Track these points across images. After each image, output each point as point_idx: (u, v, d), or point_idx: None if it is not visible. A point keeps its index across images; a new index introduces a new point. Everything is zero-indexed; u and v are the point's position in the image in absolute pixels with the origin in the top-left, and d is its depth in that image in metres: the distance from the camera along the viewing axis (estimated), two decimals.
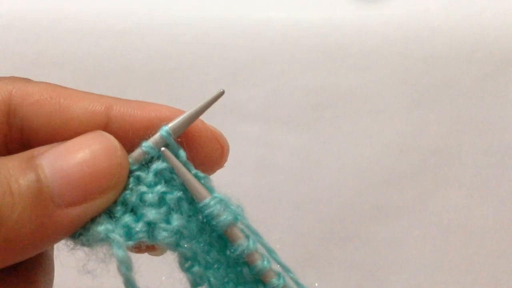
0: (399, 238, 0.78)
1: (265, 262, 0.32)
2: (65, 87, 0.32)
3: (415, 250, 0.78)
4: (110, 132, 0.30)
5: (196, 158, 0.32)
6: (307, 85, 0.82)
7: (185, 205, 0.31)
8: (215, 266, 0.32)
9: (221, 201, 0.31)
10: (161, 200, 0.31)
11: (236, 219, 0.31)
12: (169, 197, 0.31)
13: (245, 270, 0.32)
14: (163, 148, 0.31)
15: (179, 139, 0.31)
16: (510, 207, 0.80)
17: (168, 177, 0.31)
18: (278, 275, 0.32)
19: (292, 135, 0.81)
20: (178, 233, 0.30)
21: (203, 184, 0.31)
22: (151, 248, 0.32)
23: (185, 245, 0.31)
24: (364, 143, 0.81)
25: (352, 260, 0.78)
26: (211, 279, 0.31)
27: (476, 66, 0.81)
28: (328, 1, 0.84)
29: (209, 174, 0.33)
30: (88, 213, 0.28)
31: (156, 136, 0.31)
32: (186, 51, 0.82)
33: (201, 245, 0.32)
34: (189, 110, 0.32)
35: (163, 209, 0.31)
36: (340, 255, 0.78)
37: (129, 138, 0.31)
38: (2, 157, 0.27)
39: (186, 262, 0.31)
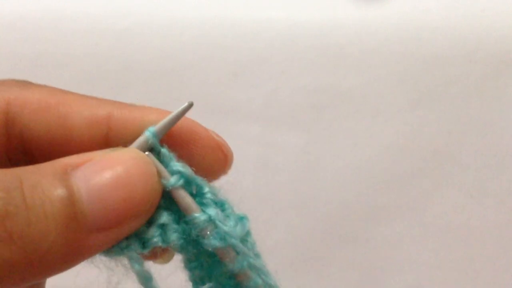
0: (399, 238, 0.78)
1: (258, 281, 0.30)
2: (64, 91, 0.31)
3: (415, 250, 0.78)
4: (111, 140, 0.30)
5: (199, 167, 0.31)
6: (307, 85, 0.82)
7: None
8: (217, 271, 0.31)
9: (209, 220, 0.29)
10: (170, 201, 0.30)
11: (225, 243, 0.30)
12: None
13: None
14: (147, 153, 0.29)
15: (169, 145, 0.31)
16: (510, 207, 0.80)
17: None
18: None
19: (292, 135, 0.81)
20: (186, 234, 0.30)
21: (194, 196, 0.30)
22: (163, 253, 0.31)
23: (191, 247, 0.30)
24: (364, 143, 0.81)
25: (352, 260, 0.78)
26: (213, 282, 0.31)
27: (476, 66, 0.81)
28: (328, 1, 0.84)
29: (211, 181, 0.32)
30: (118, 237, 0.27)
31: (140, 139, 0.30)
32: (186, 51, 0.82)
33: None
34: (172, 113, 0.31)
35: (172, 210, 0.30)
36: (340, 255, 0.78)
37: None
38: (33, 170, 0.25)
39: (191, 262, 0.31)
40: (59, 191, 0.25)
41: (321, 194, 0.79)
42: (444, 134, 0.81)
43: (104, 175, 0.26)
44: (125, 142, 0.30)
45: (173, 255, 0.31)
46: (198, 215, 0.29)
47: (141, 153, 0.28)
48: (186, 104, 0.31)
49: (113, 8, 0.83)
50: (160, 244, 0.29)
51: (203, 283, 0.31)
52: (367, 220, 0.78)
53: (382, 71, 0.82)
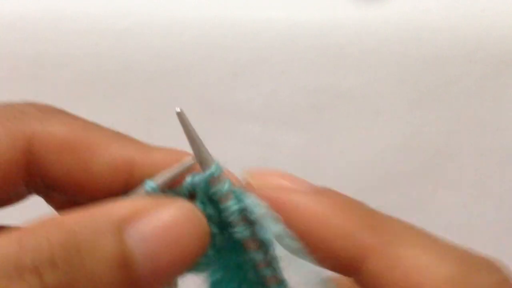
0: None
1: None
2: (86, 125, 0.30)
3: None
4: (131, 184, 0.29)
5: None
6: (307, 85, 0.82)
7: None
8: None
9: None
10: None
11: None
12: None
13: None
14: (178, 110, 0.28)
15: None
16: (510, 207, 0.80)
17: None
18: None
19: (292, 135, 0.81)
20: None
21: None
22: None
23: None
24: (364, 143, 0.81)
25: None
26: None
27: (476, 66, 0.81)
28: (328, 1, 0.84)
29: None
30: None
31: (141, 191, 0.28)
32: (186, 51, 0.82)
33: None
34: (169, 171, 0.29)
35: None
36: None
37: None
38: (87, 225, 0.23)
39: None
40: (117, 255, 0.23)
41: None
42: (444, 134, 0.81)
43: (160, 237, 0.24)
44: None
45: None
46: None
47: (194, 209, 0.26)
48: (190, 161, 0.29)
49: (113, 8, 0.83)
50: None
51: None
52: None
53: (382, 71, 0.82)
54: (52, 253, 0.22)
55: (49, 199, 0.33)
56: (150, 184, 0.28)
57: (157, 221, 0.25)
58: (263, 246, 0.28)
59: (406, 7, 0.83)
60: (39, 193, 0.32)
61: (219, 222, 0.29)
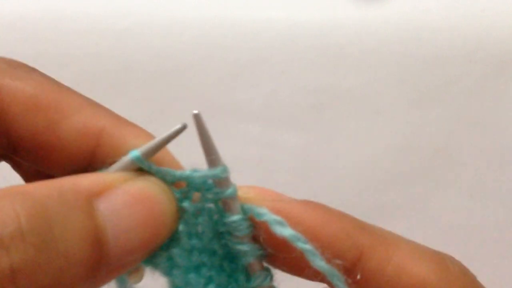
0: None
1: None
2: (58, 86, 0.28)
3: None
4: (97, 154, 0.28)
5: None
6: (307, 85, 0.82)
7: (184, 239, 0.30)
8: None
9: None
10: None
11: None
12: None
13: None
14: (195, 112, 0.28)
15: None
16: (510, 207, 0.80)
17: None
18: None
19: (292, 135, 0.81)
20: (171, 260, 0.29)
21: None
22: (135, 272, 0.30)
23: (177, 274, 0.30)
24: (364, 143, 0.81)
25: None
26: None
27: (476, 66, 0.81)
28: (328, 1, 0.84)
29: None
30: (132, 265, 0.26)
31: (126, 160, 0.27)
32: (186, 51, 0.82)
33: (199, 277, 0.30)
34: (157, 138, 0.29)
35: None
36: None
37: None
38: (58, 200, 0.22)
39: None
40: (90, 231, 0.23)
41: (321, 194, 0.79)
42: (444, 134, 0.81)
43: (129, 212, 0.24)
44: (111, 157, 0.28)
45: (142, 275, 0.30)
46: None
47: (163, 185, 0.27)
48: (178, 126, 0.28)
49: (113, 8, 0.83)
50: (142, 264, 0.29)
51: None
52: (367, 220, 0.78)
53: (382, 71, 0.82)
54: (19, 225, 0.20)
55: (15, 166, 0.32)
56: (134, 153, 0.27)
57: (127, 194, 0.24)
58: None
59: (406, 7, 0.83)
60: (5, 158, 0.31)
61: (212, 225, 0.30)
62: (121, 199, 0.24)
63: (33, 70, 0.29)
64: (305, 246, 0.28)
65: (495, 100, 0.81)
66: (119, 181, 0.25)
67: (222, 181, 0.29)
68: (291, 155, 0.81)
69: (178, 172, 0.28)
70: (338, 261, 0.28)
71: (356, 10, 0.83)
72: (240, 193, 0.30)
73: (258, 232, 0.29)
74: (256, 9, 0.84)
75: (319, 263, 0.28)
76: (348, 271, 0.28)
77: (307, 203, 0.30)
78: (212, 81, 0.82)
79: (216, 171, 0.29)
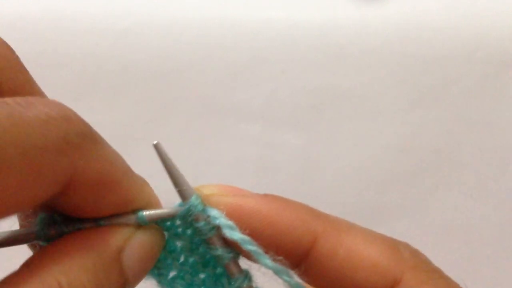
0: (399, 238, 0.78)
1: None
2: (113, 162, 0.30)
3: None
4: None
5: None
6: (307, 85, 0.82)
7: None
8: None
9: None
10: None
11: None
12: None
13: None
14: (155, 142, 0.31)
15: None
16: (510, 207, 0.80)
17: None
18: None
19: (292, 135, 0.81)
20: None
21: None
22: None
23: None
24: (364, 143, 0.81)
25: None
26: None
27: (476, 66, 0.81)
28: (328, 1, 0.84)
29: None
30: None
31: (133, 218, 0.31)
32: (186, 51, 0.82)
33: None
34: (165, 210, 0.32)
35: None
36: None
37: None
38: (93, 257, 0.28)
39: None
40: (120, 286, 0.28)
41: (321, 194, 0.79)
42: (444, 134, 0.81)
43: (141, 257, 0.30)
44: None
45: None
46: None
47: (158, 230, 0.32)
48: (188, 205, 0.32)
49: (113, 8, 0.83)
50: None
51: None
52: (367, 220, 0.78)
53: (382, 71, 0.82)
54: None
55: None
56: (142, 215, 0.31)
57: (140, 245, 0.30)
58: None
59: (406, 7, 0.83)
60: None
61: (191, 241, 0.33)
62: (137, 251, 0.30)
63: (98, 141, 0.29)
64: (252, 248, 0.30)
65: (495, 100, 0.81)
66: (133, 233, 0.30)
67: (197, 214, 0.32)
68: (291, 155, 0.81)
69: (167, 224, 0.33)
70: (281, 258, 0.30)
71: (356, 10, 0.83)
72: (205, 191, 0.32)
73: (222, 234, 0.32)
74: (256, 9, 0.84)
75: (267, 262, 0.30)
76: (301, 260, 0.31)
77: (266, 196, 0.32)
78: (212, 81, 0.82)
79: (191, 203, 0.32)
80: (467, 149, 0.80)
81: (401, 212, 0.79)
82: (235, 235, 0.31)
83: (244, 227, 0.31)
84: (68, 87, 0.80)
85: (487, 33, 0.82)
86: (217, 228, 0.32)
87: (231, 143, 0.80)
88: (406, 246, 0.33)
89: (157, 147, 0.31)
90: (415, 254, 0.32)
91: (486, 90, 0.81)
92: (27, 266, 0.26)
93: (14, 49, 0.34)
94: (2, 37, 0.34)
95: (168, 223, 0.33)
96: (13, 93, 0.30)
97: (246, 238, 0.30)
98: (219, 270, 0.33)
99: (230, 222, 0.31)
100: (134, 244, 0.30)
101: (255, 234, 0.31)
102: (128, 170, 0.30)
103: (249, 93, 0.82)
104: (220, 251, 0.32)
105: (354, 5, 0.83)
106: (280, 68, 0.82)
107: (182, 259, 0.33)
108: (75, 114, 0.27)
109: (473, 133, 0.81)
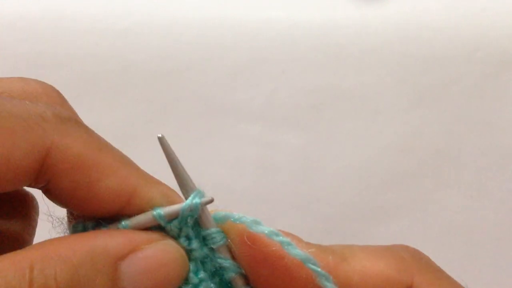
0: (399, 238, 0.78)
1: None
2: (100, 145, 0.30)
3: None
4: (124, 211, 0.31)
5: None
6: (307, 85, 0.82)
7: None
8: None
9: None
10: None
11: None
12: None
13: None
14: (159, 135, 0.30)
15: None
16: (510, 207, 0.80)
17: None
18: None
19: (292, 135, 0.81)
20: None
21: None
22: None
23: None
24: (364, 143, 0.81)
25: None
26: None
27: (476, 66, 0.81)
28: (328, 1, 0.84)
29: None
30: None
31: (148, 215, 0.30)
32: (186, 51, 0.82)
33: None
34: (180, 204, 0.31)
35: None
36: None
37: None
38: (87, 261, 0.27)
39: None
40: None
41: (321, 194, 0.80)
42: (444, 134, 0.81)
43: (148, 276, 0.28)
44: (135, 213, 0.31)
45: None
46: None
47: (180, 251, 0.30)
48: (204, 199, 0.31)
49: (113, 8, 0.83)
50: None
51: None
52: (367, 220, 0.78)
53: (382, 71, 0.82)
54: None
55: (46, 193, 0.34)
56: (158, 211, 0.30)
57: (149, 259, 0.28)
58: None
59: (406, 7, 0.83)
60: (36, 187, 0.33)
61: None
62: (143, 264, 0.28)
63: (80, 124, 0.30)
64: (282, 238, 0.31)
65: (495, 100, 0.81)
66: (143, 243, 0.29)
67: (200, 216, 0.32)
68: (291, 155, 0.81)
69: (174, 224, 0.31)
70: (311, 250, 0.31)
71: (356, 10, 0.83)
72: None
73: (231, 245, 0.31)
74: (256, 9, 0.84)
75: (295, 251, 0.30)
76: None
77: None
78: (212, 81, 0.82)
79: (195, 200, 0.31)
80: (467, 149, 0.81)
81: (401, 212, 0.79)
82: (264, 228, 0.30)
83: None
84: (68, 87, 0.80)
85: (487, 33, 0.82)
86: (228, 238, 0.31)
87: (231, 143, 0.80)
88: (406, 249, 0.34)
89: (161, 140, 0.31)
90: (416, 256, 0.33)
91: (486, 90, 0.81)
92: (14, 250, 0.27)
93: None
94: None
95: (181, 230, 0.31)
96: None
97: (274, 230, 0.30)
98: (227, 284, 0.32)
99: (255, 218, 0.31)
100: (140, 255, 0.28)
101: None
102: (123, 158, 0.31)
103: (249, 93, 0.82)
104: (227, 262, 0.31)
105: (354, 5, 0.84)
106: (280, 68, 0.82)
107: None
108: (59, 96, 0.31)
109: (473, 133, 0.81)
